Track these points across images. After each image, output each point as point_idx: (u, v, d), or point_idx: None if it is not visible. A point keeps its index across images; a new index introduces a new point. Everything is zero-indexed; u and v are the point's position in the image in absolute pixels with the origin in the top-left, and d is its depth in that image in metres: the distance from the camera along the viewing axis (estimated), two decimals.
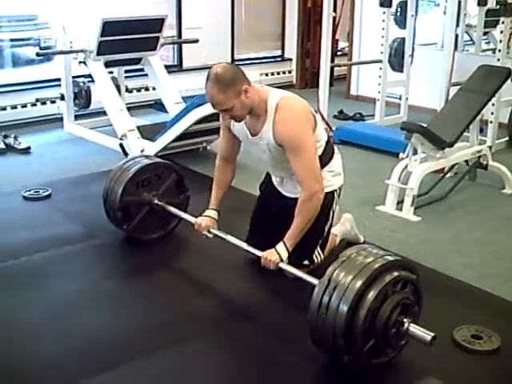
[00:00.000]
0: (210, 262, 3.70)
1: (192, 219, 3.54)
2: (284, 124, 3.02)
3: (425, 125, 4.65)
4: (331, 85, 6.95)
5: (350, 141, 6.16)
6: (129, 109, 5.92)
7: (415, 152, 4.56)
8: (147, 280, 3.52)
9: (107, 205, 3.85)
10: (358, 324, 2.46)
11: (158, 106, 6.81)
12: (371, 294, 2.48)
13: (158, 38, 6.11)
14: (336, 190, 3.36)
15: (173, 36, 7.56)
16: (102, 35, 5.78)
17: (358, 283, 2.47)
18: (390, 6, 6.62)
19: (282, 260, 3.04)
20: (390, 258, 2.62)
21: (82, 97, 6.43)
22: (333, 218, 3.39)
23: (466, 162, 5.07)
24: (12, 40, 7.57)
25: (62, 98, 6.42)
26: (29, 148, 5.85)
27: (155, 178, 3.83)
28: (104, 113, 5.95)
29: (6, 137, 5.91)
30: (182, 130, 5.18)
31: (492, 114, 5.78)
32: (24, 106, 6.66)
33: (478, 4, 6.93)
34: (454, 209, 4.63)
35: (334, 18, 6.47)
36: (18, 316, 3.12)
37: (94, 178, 5.05)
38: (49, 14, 7.22)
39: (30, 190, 4.70)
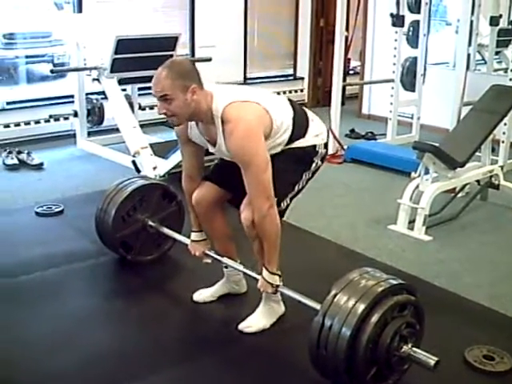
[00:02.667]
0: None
1: (187, 241, 3.46)
2: (231, 139, 2.83)
3: (437, 144, 4.65)
4: (343, 103, 6.98)
5: (362, 160, 6.17)
6: (142, 126, 5.95)
7: (427, 171, 4.56)
8: (158, 298, 3.53)
9: (105, 244, 3.85)
10: (360, 354, 2.44)
11: None
12: (372, 320, 2.45)
13: (171, 56, 6.14)
14: (317, 145, 3.12)
15: (186, 54, 7.62)
16: (115, 53, 5.84)
17: (359, 309, 2.45)
18: (402, 25, 6.65)
19: (277, 285, 3.00)
20: (389, 283, 2.58)
21: (95, 114, 6.48)
22: (315, 170, 3.14)
23: (478, 181, 5.07)
24: (27, 57, 7.64)
25: (76, 114, 6.47)
26: (42, 164, 5.89)
27: (139, 203, 3.76)
28: (117, 130, 5.98)
29: (19, 153, 5.95)
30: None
31: (504, 133, 5.77)
32: (37, 122, 6.72)
33: (490, 24, 6.95)
34: (466, 228, 4.62)
35: (347, 38, 6.50)
36: (29, 331, 3.13)
37: None
38: (63, 31, 7.27)
39: (42, 206, 4.73)
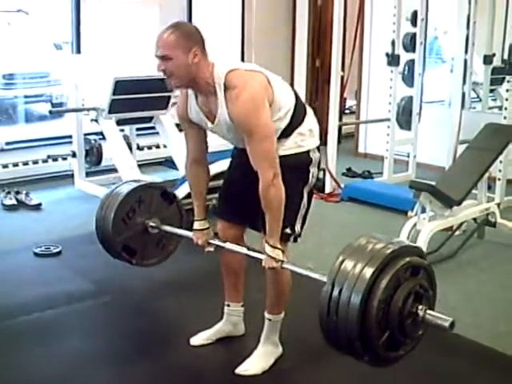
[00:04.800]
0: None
1: (190, 234, 3.37)
2: (235, 105, 2.76)
3: (433, 183, 4.68)
4: (339, 142, 7.02)
5: (359, 198, 6.20)
6: (140, 166, 5.98)
7: (424, 210, 4.58)
8: (156, 340, 3.52)
9: (107, 250, 3.70)
10: (372, 317, 2.35)
11: (169, 163, 6.87)
12: (383, 281, 2.36)
13: (169, 97, 6.21)
14: (311, 150, 3.04)
15: None
16: (113, 94, 5.88)
17: (369, 272, 2.37)
18: (397, 64, 6.73)
19: (281, 260, 2.90)
20: (398, 245, 2.52)
21: (94, 154, 6.51)
22: (313, 179, 3.07)
23: (475, 219, 5.09)
24: (25, 96, 7.72)
25: (74, 155, 6.49)
26: (40, 204, 5.90)
27: (138, 204, 3.64)
28: (115, 170, 6.01)
29: (17, 193, 5.97)
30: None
31: (500, 171, 5.81)
32: (36, 162, 6.74)
33: (484, 62, 7.05)
34: (464, 267, 4.63)
35: (342, 77, 6.58)
36: (27, 373, 3.12)
37: None
38: (61, 72, 7.36)
39: (40, 247, 4.73)
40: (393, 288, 2.40)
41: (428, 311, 2.45)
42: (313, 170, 3.05)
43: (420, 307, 2.44)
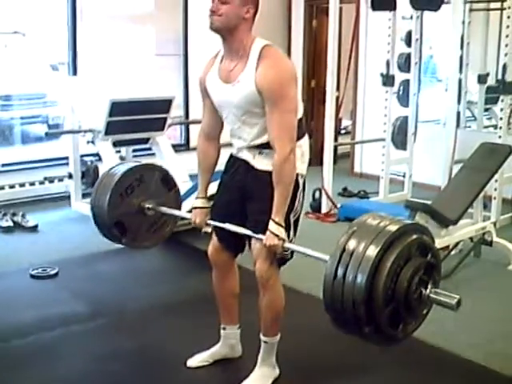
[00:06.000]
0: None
1: (187, 215, 3.40)
2: (270, 69, 2.81)
3: (429, 202, 4.69)
4: (335, 162, 7.04)
5: (355, 218, 6.17)
6: None
7: None
8: (152, 362, 3.50)
9: (99, 225, 3.62)
10: (380, 287, 2.32)
11: None
12: (392, 257, 2.34)
13: (165, 118, 6.23)
14: (299, 174, 3.00)
15: (180, 116, 7.71)
16: (110, 115, 5.90)
17: (376, 248, 2.34)
18: (392, 85, 6.76)
19: (283, 240, 2.89)
20: (409, 222, 2.52)
21: (90, 175, 6.50)
22: (299, 207, 3.04)
23: (471, 238, 5.10)
24: (22, 118, 7.74)
25: (70, 176, 6.50)
26: (36, 226, 5.89)
27: (137, 183, 3.58)
28: None
29: (14, 214, 5.97)
30: (188, 209, 5.22)
31: (495, 190, 5.83)
32: (32, 184, 6.75)
33: (479, 82, 7.09)
34: (460, 286, 4.62)
35: (337, 98, 6.61)
36: None
37: (101, 257, 5.09)
38: (57, 93, 7.39)
39: (37, 269, 4.72)
40: (403, 260, 2.38)
41: (434, 289, 2.44)
42: (299, 196, 3.03)
43: (427, 284, 2.43)
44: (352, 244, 2.41)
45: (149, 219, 3.60)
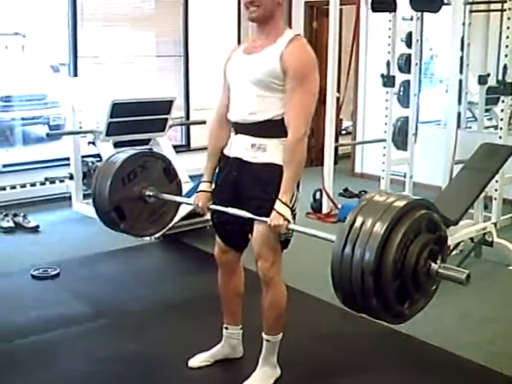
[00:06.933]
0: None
1: (189, 201, 3.40)
2: (298, 49, 2.91)
3: None
4: (336, 163, 7.04)
5: None
6: None
7: None
8: (153, 362, 3.51)
9: (98, 209, 3.56)
10: (389, 261, 2.30)
11: None
12: (401, 231, 2.33)
13: (166, 119, 6.24)
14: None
15: (181, 117, 7.71)
16: (111, 116, 5.92)
17: (385, 223, 2.32)
18: (392, 85, 6.75)
19: (288, 220, 2.88)
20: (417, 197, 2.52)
21: (91, 176, 6.51)
22: (295, 205, 3.02)
23: (472, 239, 5.10)
24: (23, 119, 7.74)
25: (71, 177, 6.52)
26: (37, 227, 5.91)
27: (140, 169, 3.57)
28: None
29: (15, 215, 5.98)
30: (189, 209, 5.24)
31: (496, 190, 5.83)
32: (33, 184, 6.75)
33: (479, 82, 7.09)
34: (461, 286, 4.61)
35: (338, 98, 6.61)
36: None
37: (102, 258, 5.10)
38: (58, 94, 7.40)
39: (38, 269, 4.73)
40: (412, 234, 2.37)
41: (443, 264, 2.43)
42: (296, 193, 3.02)
43: (436, 259, 2.42)
44: (360, 220, 2.39)
45: (149, 207, 3.58)
